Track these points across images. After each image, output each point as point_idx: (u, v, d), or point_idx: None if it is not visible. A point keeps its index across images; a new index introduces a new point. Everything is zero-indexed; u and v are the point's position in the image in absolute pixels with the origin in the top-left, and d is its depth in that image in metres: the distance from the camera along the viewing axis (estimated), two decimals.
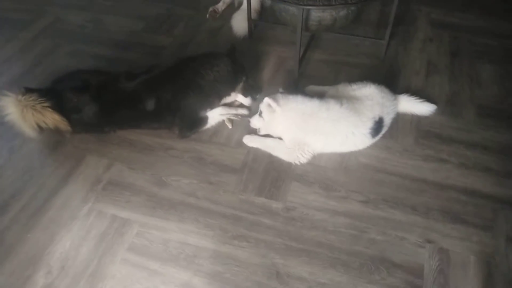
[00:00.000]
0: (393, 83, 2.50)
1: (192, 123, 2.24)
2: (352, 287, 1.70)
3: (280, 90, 2.19)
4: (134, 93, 2.18)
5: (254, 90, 2.39)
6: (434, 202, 1.96)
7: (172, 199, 2.01)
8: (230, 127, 2.29)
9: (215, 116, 2.28)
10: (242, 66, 2.31)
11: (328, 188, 2.02)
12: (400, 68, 2.65)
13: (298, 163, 2.11)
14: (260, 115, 2.14)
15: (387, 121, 2.16)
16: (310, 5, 2.10)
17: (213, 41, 2.92)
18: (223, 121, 2.32)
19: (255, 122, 2.18)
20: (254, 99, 2.38)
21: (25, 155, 2.22)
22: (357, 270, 1.74)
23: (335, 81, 2.48)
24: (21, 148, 2.25)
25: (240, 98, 2.38)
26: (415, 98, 2.32)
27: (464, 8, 3.10)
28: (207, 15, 3.09)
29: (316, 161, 2.13)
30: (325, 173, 2.09)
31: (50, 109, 2.10)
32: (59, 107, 2.14)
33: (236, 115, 2.33)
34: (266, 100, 2.05)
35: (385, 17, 2.91)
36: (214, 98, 2.27)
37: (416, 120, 2.31)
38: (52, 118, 2.11)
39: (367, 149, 2.15)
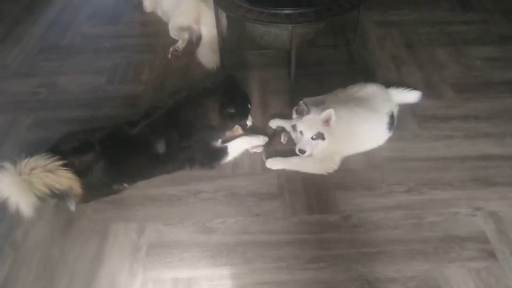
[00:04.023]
0: (374, 81, 2.64)
1: (211, 155, 2.14)
2: (438, 271, 1.74)
3: (303, 101, 2.15)
4: (142, 138, 2.03)
5: (243, 114, 2.24)
6: (462, 174, 2.11)
7: (227, 242, 1.87)
8: (264, 159, 2.19)
9: (237, 146, 2.20)
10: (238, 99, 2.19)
11: (370, 187, 2.07)
12: (372, 67, 2.84)
13: (330, 172, 2.12)
14: (314, 138, 2.04)
15: (395, 114, 2.29)
16: (301, 22, 2.15)
17: (185, 78, 2.83)
18: (247, 151, 2.25)
19: (307, 147, 2.04)
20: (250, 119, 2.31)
21: (35, 245, 1.89)
22: (434, 254, 1.79)
23: (322, 91, 2.57)
24: (27, 239, 1.92)
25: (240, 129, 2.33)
26: (402, 89, 2.49)
27: (395, 6, 3.44)
28: (169, 56, 2.99)
29: (345, 165, 2.16)
30: (360, 175, 2.13)
31: (64, 168, 1.85)
32: None
33: (258, 144, 2.26)
34: (328, 113, 1.97)
35: (335, 26, 3.13)
36: (218, 131, 2.18)
37: (409, 108, 2.48)
38: (67, 177, 1.85)
39: (385, 143, 2.25)
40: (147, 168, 2.07)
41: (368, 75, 2.75)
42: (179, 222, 1.96)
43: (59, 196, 1.88)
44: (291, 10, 2.17)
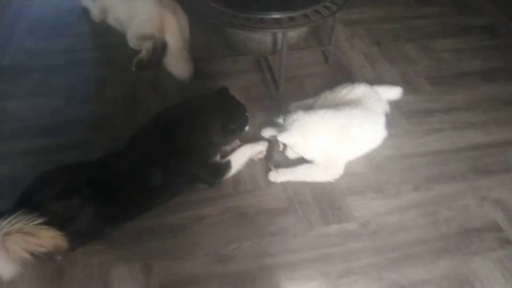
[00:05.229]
0: (353, 80, 2.62)
1: (214, 172, 1.97)
2: (466, 266, 1.73)
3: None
4: (134, 171, 1.80)
5: (243, 126, 2.11)
6: (460, 166, 2.14)
7: (248, 269, 1.71)
8: (272, 168, 2.07)
9: (239, 157, 2.05)
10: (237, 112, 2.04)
11: (379, 190, 2.02)
12: (348, 67, 2.82)
13: (337, 177, 2.05)
14: (290, 147, 2.00)
15: (388, 112, 2.27)
16: (292, 26, 2.05)
17: (159, 92, 2.59)
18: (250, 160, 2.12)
19: (291, 154, 2.04)
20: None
21: None
22: (457, 250, 1.78)
23: (306, 94, 2.50)
24: None
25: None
26: (384, 86, 2.48)
27: (356, 4, 3.44)
28: (133, 68, 2.73)
29: (349, 170, 2.09)
30: (366, 178, 2.08)
31: (44, 227, 1.55)
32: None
33: (260, 149, 2.14)
34: (281, 139, 1.94)
35: None
36: (218, 147, 2.02)
37: (394, 105, 2.48)
38: (49, 237, 1.56)
39: (382, 142, 2.22)
40: (144, 203, 1.84)
41: (346, 75, 2.73)
42: (189, 254, 1.76)
43: (43, 258, 1.59)
44: (279, 14, 2.05)
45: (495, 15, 3.34)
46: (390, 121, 2.24)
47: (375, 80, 2.62)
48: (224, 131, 1.89)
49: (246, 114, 2.04)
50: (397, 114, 2.42)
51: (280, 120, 2.02)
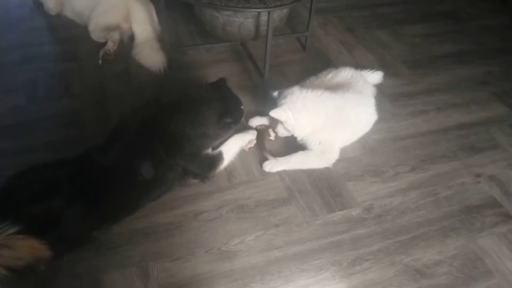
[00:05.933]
0: (332, 66, 2.57)
1: (206, 165, 1.83)
2: (474, 244, 1.70)
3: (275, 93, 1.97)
4: (122, 165, 1.62)
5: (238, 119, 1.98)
6: (450, 145, 2.14)
7: (256, 264, 1.58)
8: (269, 157, 1.95)
9: (231, 148, 1.91)
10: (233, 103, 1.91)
11: (377, 173, 1.97)
12: (325, 53, 2.76)
13: (333, 162, 1.97)
14: (283, 125, 1.91)
15: (375, 95, 2.23)
16: (278, 6, 1.95)
17: (133, 85, 2.40)
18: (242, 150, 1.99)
19: (282, 131, 1.95)
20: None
21: None
22: (463, 228, 1.76)
23: (289, 81, 2.42)
24: None
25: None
26: (366, 70, 2.45)
27: None
28: (100, 61, 2.51)
29: (344, 155, 2.02)
30: (362, 162, 2.02)
31: (20, 236, 1.34)
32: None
33: (250, 138, 2.03)
34: (274, 113, 1.85)
35: None
36: (212, 140, 1.87)
37: (377, 89, 2.43)
38: (28, 247, 1.35)
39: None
40: (133, 201, 1.66)
41: (325, 61, 2.68)
42: (189, 254, 1.60)
43: (22, 272, 1.37)
44: None
45: (455, 1, 3.44)
46: (377, 105, 2.20)
47: (355, 66, 2.55)
48: (219, 124, 1.76)
49: (242, 107, 1.91)
50: (381, 98, 2.38)
51: (275, 94, 1.92)
